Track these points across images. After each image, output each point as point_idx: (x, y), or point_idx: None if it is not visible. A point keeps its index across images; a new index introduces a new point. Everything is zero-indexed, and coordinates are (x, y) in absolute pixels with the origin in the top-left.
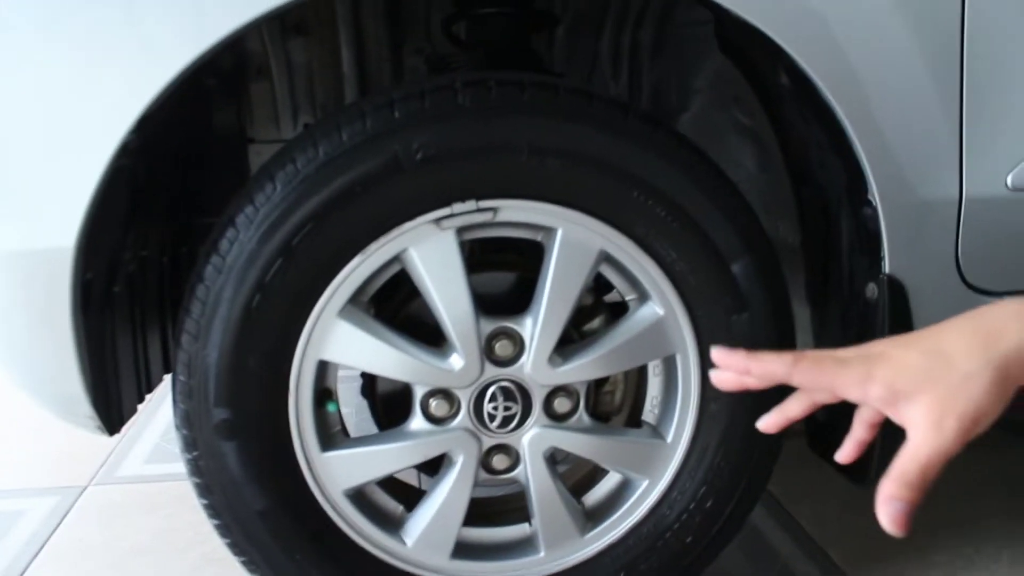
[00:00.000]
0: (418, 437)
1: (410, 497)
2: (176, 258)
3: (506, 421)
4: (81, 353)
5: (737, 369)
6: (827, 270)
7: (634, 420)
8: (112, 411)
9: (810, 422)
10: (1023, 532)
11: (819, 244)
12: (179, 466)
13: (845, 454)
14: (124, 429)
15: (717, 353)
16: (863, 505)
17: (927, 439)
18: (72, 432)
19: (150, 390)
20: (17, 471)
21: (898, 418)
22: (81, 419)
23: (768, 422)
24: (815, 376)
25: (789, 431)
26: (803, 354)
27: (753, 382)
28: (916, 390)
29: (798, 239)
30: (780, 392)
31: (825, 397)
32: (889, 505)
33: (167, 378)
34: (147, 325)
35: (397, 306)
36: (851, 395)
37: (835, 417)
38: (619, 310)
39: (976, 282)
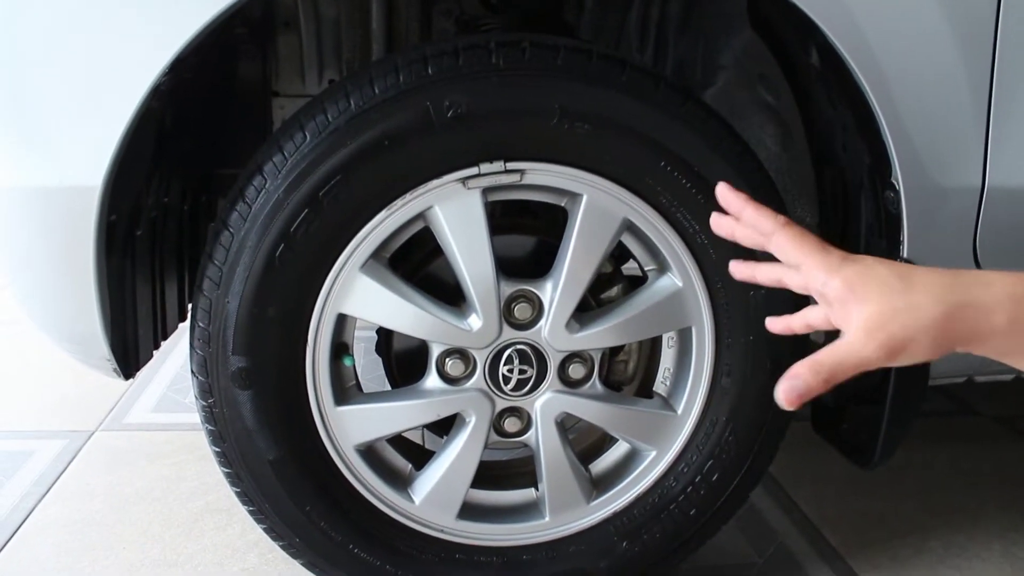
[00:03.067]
0: (432, 396)
1: (418, 457)
2: (196, 207)
3: (520, 384)
4: (102, 294)
5: (734, 208)
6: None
7: (645, 390)
8: (129, 355)
9: (816, 406)
10: (1015, 523)
11: (837, 226)
12: (186, 416)
13: (772, 322)
14: (135, 376)
15: (723, 187)
16: (861, 489)
17: (853, 341)
18: (81, 377)
19: (165, 337)
20: (27, 413)
21: (841, 319)
22: (98, 361)
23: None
24: (794, 246)
25: (795, 414)
26: (793, 223)
27: (741, 233)
28: (867, 298)
29: (816, 221)
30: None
31: (793, 281)
32: (791, 380)
33: (180, 327)
34: (165, 272)
35: (418, 264)
36: (813, 281)
37: (841, 401)
38: (636, 282)
39: None
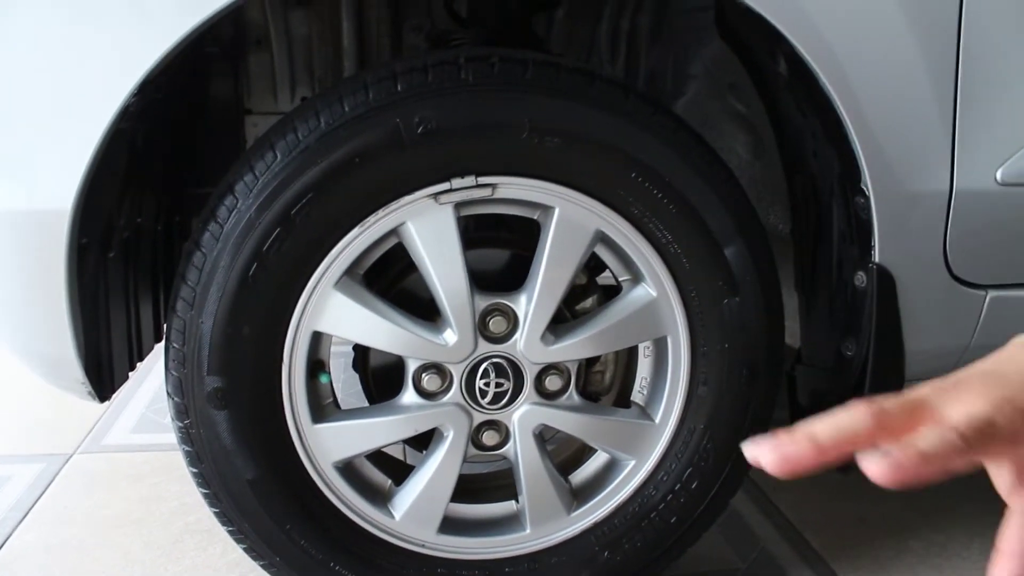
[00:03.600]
0: (409, 411)
1: (397, 472)
2: (169, 227)
3: (497, 397)
4: (74, 317)
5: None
6: (816, 258)
7: (623, 400)
8: (103, 377)
9: (795, 409)
10: (994, 521)
11: (810, 232)
12: (165, 436)
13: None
14: (111, 398)
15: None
16: (842, 491)
17: None
18: (59, 400)
19: (141, 358)
20: (3, 437)
21: None
22: (72, 384)
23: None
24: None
25: (774, 419)
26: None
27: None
28: None
29: (788, 227)
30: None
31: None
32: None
33: (156, 348)
34: (140, 293)
35: (392, 280)
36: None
37: (820, 405)
38: (612, 292)
39: (962, 274)
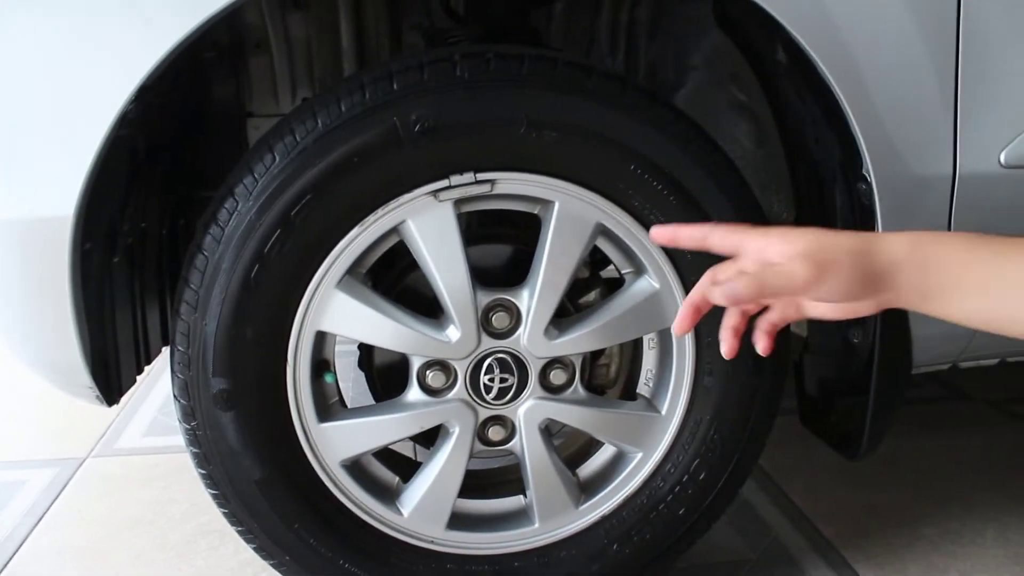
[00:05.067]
0: (415, 408)
1: (405, 469)
2: (174, 230)
3: (502, 393)
4: (80, 323)
5: (667, 242)
6: None
7: (629, 393)
8: (111, 381)
9: (803, 398)
10: (1008, 507)
11: (814, 220)
12: (177, 438)
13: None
14: (123, 401)
15: (655, 232)
16: (854, 480)
17: (786, 263)
18: (71, 405)
19: (148, 361)
20: (17, 442)
21: (778, 256)
22: (80, 389)
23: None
24: (730, 231)
25: (783, 408)
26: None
27: (684, 241)
28: (802, 236)
29: (792, 215)
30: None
31: (721, 242)
32: (728, 284)
33: (165, 351)
34: (146, 296)
35: (394, 278)
36: (752, 248)
37: (827, 393)
38: (615, 286)
39: None
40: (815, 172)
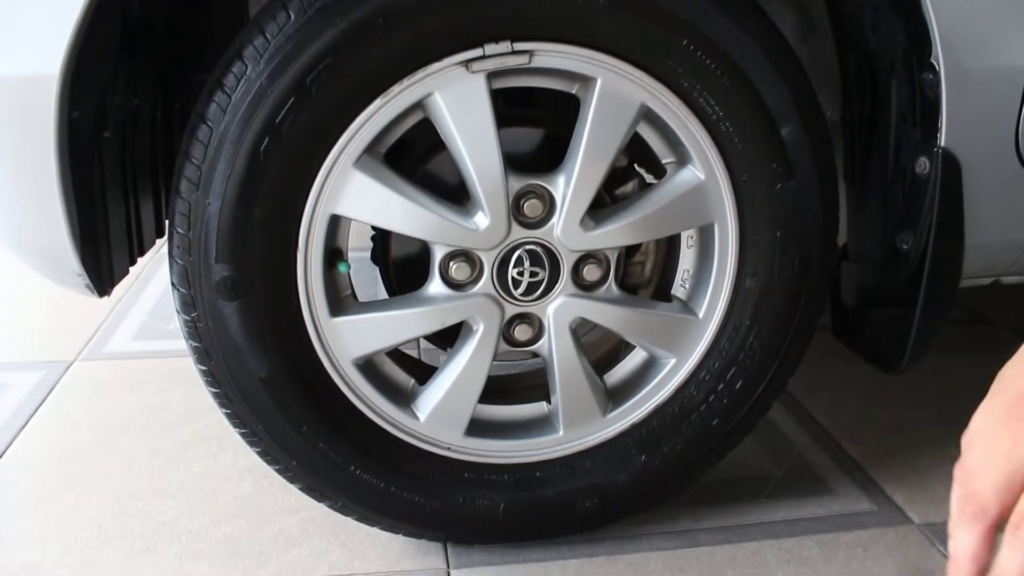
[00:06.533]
0: (436, 303)
1: (420, 373)
2: (169, 114)
3: (531, 288)
4: (68, 201)
5: None
6: (871, 145)
7: (662, 294)
8: (102, 270)
9: (837, 309)
10: None
11: (863, 117)
12: (168, 343)
13: None
14: (111, 304)
15: None
16: (876, 399)
17: None
18: (58, 307)
19: (142, 253)
20: (1, 345)
21: None
22: (69, 277)
23: None
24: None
25: (820, 319)
26: None
27: None
28: None
29: (838, 113)
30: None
31: None
32: None
33: (159, 243)
34: (139, 183)
35: (414, 163)
36: None
37: (866, 304)
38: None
39: None
40: (868, 64)
